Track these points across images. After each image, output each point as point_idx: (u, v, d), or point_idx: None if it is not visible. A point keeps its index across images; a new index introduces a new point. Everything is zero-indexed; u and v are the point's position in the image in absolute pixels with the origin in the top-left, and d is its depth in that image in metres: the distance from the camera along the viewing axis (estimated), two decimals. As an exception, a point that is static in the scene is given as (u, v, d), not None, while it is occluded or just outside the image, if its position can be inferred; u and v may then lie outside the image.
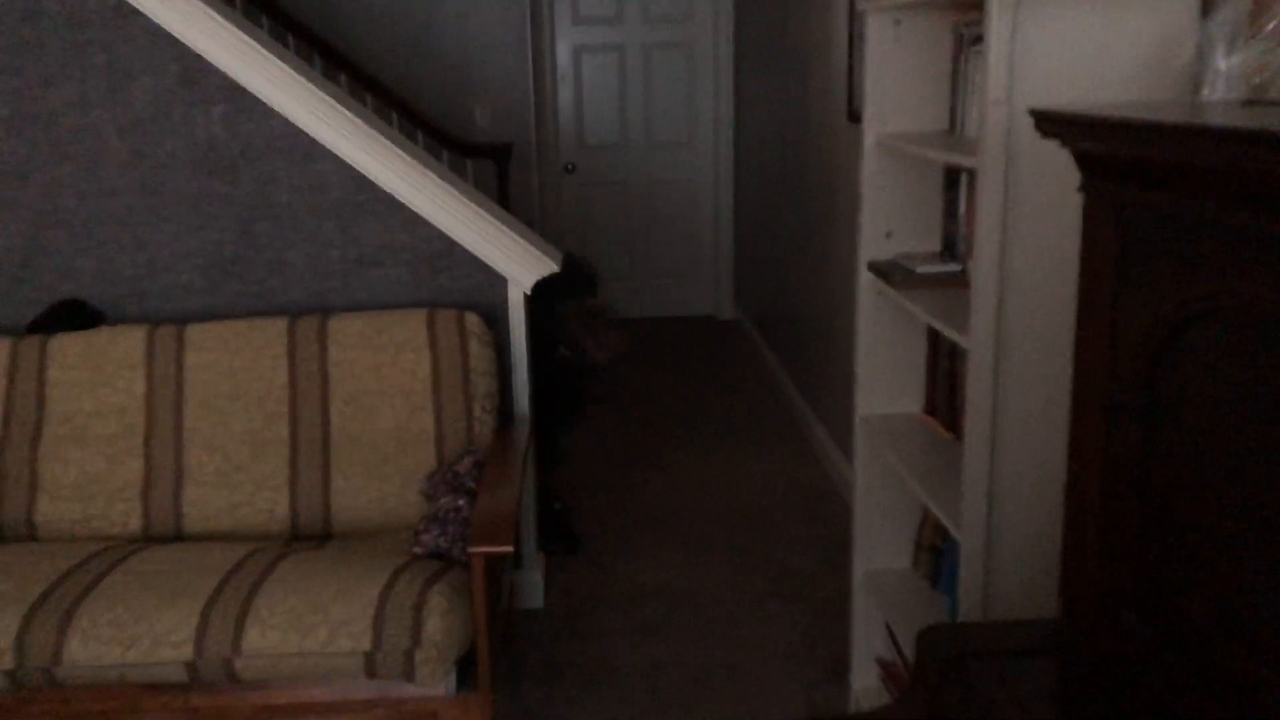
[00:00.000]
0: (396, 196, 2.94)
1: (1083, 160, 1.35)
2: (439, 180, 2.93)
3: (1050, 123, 1.36)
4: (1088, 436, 1.40)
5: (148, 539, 2.70)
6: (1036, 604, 1.89)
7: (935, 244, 2.46)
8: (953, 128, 2.39)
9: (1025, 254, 1.84)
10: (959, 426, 2.26)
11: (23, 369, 2.79)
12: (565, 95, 6.38)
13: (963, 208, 2.32)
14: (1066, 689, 1.43)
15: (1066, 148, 1.37)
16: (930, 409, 2.48)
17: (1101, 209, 1.34)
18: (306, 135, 2.91)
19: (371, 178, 2.93)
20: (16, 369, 2.79)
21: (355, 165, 2.92)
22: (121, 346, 2.80)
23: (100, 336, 2.82)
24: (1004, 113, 1.79)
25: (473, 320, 2.84)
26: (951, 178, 2.39)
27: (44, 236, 2.96)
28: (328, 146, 2.91)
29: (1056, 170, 1.74)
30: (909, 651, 2.22)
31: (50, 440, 2.75)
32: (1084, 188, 1.37)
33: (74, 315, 2.92)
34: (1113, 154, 1.28)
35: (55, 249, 2.97)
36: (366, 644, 2.22)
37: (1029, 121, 1.48)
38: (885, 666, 2.58)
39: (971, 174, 2.19)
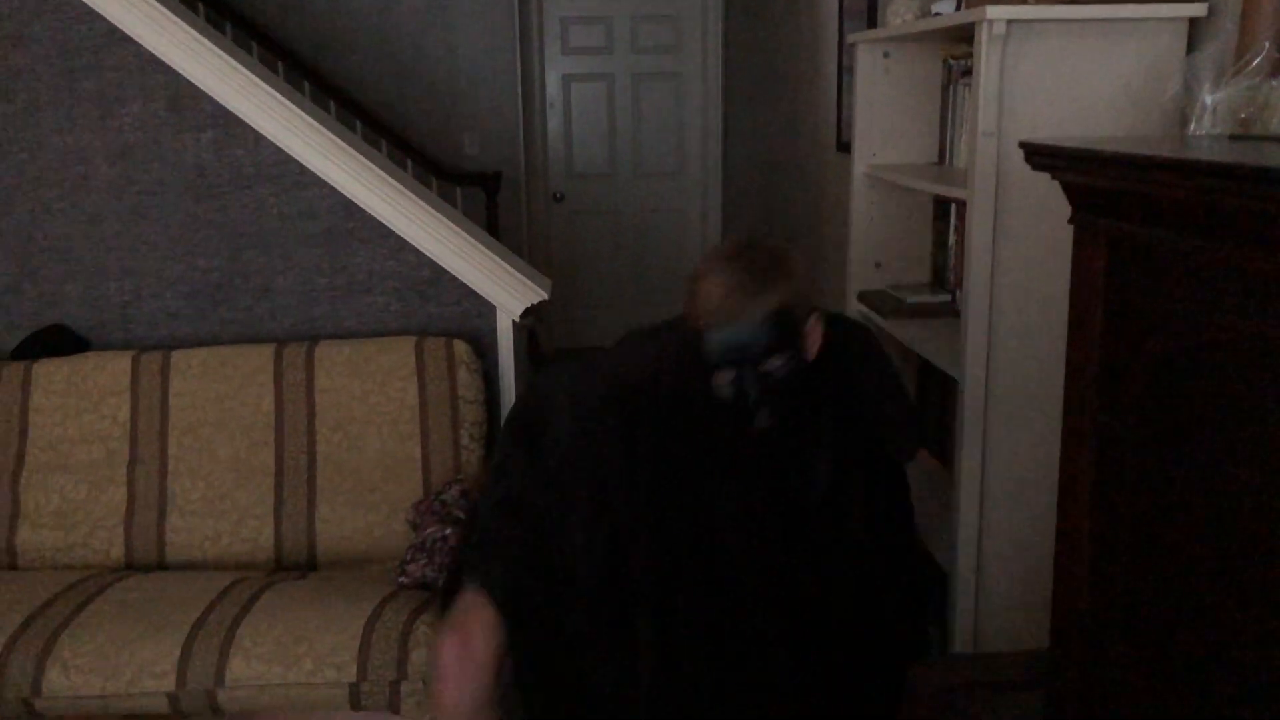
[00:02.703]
0: (385, 223, 2.93)
1: (1073, 193, 1.36)
2: (428, 207, 2.93)
3: (1041, 156, 1.37)
4: (1079, 467, 1.40)
5: (130, 568, 2.66)
6: (1028, 635, 1.88)
7: (925, 274, 2.47)
8: (942, 159, 2.40)
9: (1015, 284, 1.85)
10: (950, 457, 2.26)
11: (6, 395, 2.76)
12: (554, 124, 6.40)
13: (952, 238, 2.33)
14: (1058, 723, 1.42)
15: (1057, 180, 1.37)
16: (921, 440, 2.49)
17: (1091, 241, 1.34)
18: (296, 162, 2.90)
19: (360, 204, 2.92)
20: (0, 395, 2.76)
21: (344, 192, 2.91)
22: (106, 373, 2.77)
23: (85, 363, 2.80)
24: (993, 145, 1.80)
25: (461, 348, 2.83)
26: (941, 208, 2.40)
27: (30, 262, 2.94)
28: (317, 173, 2.90)
29: (1046, 201, 1.75)
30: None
31: (32, 467, 2.72)
32: (1074, 220, 1.37)
33: (59, 341, 2.90)
34: (1103, 187, 1.28)
35: (41, 275, 2.95)
36: (351, 675, 2.20)
37: (1019, 153, 1.49)
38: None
39: (961, 205, 2.20)
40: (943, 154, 2.39)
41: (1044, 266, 1.81)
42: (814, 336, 1.67)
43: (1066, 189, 1.36)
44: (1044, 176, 1.42)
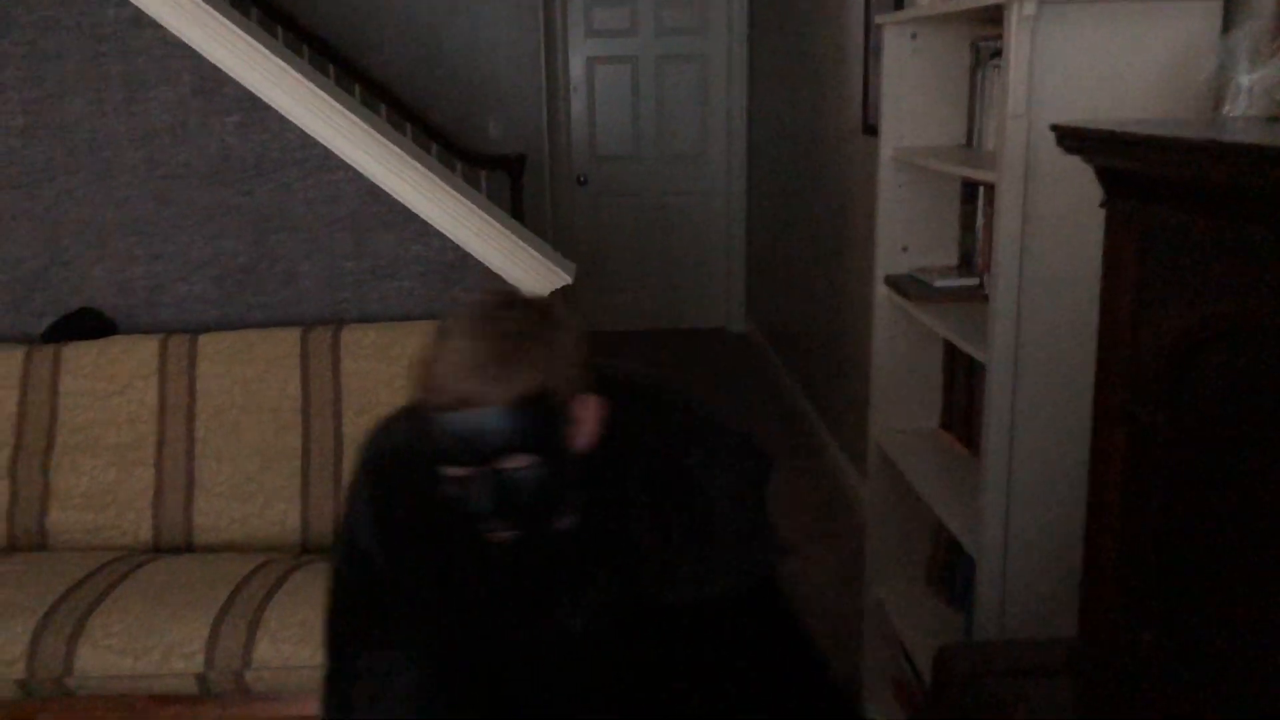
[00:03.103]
0: (410, 208, 2.94)
1: (1105, 176, 1.34)
2: (453, 191, 2.93)
3: (1073, 139, 1.35)
4: (1109, 454, 1.39)
5: (158, 549, 2.69)
6: (1054, 621, 1.87)
7: (952, 258, 2.45)
8: (970, 141, 2.38)
9: (1044, 268, 1.83)
10: (976, 442, 2.25)
11: (36, 378, 2.79)
12: (578, 107, 6.39)
13: (980, 221, 2.31)
14: (1085, 710, 1.41)
15: (1089, 164, 1.35)
16: (947, 424, 2.47)
17: (1124, 225, 1.32)
18: (321, 146, 2.91)
19: (385, 189, 2.93)
20: (29, 378, 2.79)
21: (369, 176, 2.92)
22: (134, 356, 2.80)
23: (113, 346, 2.82)
24: (1023, 127, 1.78)
25: (486, 332, 2.83)
26: (969, 191, 2.38)
27: (58, 246, 2.97)
28: (342, 157, 2.91)
29: (1076, 185, 1.73)
30: (925, 670, 2.20)
31: (62, 449, 2.75)
32: (1106, 204, 1.36)
33: (87, 325, 2.92)
34: (1136, 170, 1.26)
35: (69, 258, 2.97)
36: (377, 657, 2.21)
37: (1049, 136, 1.47)
38: (899, 685, 2.56)
39: (989, 188, 2.18)
40: (970, 136, 2.37)
41: (1074, 250, 1.79)
42: (587, 421, 1.33)
43: (1098, 172, 1.35)
44: (1075, 159, 1.40)
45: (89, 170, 2.93)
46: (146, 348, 2.80)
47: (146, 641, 2.24)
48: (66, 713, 2.31)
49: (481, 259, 2.96)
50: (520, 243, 2.94)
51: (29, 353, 2.82)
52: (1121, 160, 1.29)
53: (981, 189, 2.27)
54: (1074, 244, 1.80)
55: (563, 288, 3.00)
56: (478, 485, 1.26)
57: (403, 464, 1.46)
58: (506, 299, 1.32)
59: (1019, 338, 1.85)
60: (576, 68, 6.33)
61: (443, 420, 1.25)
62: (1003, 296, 1.84)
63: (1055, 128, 1.37)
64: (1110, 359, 1.37)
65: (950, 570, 2.43)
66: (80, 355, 2.80)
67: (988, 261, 2.19)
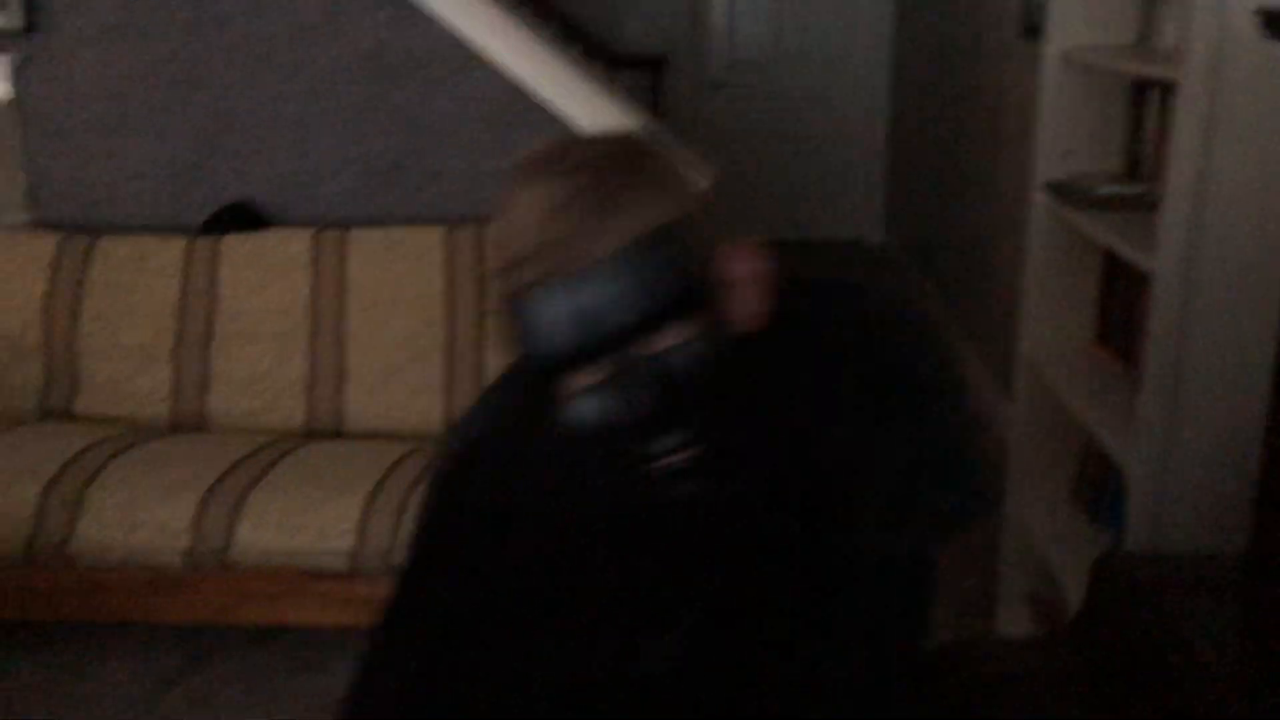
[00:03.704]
0: (553, 106, 2.92)
1: (1313, 66, 1.24)
2: (596, 90, 2.91)
3: (1281, 24, 1.25)
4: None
5: (310, 435, 2.80)
6: (1208, 539, 1.81)
7: (1117, 164, 2.33)
8: (1142, 39, 2.25)
9: (1228, 173, 1.72)
10: (1133, 357, 2.16)
11: (196, 268, 2.91)
12: (718, 8, 6.25)
13: (1151, 125, 2.19)
14: (1257, 625, 1.36)
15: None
16: (1101, 339, 2.38)
17: (1331, 121, 1.23)
18: (467, 43, 2.91)
19: (529, 87, 2.92)
20: (190, 268, 2.90)
21: (514, 74, 2.91)
22: (288, 249, 2.89)
23: (268, 239, 2.92)
24: (1213, 19, 1.66)
25: (626, 233, 2.82)
26: (1138, 93, 2.25)
27: (217, 140, 3.06)
28: (488, 55, 2.91)
29: (1272, 82, 1.61)
30: (1069, 586, 2.15)
31: (221, 337, 2.87)
32: (1312, 97, 1.26)
33: (244, 217, 3.02)
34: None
35: (227, 152, 3.06)
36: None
37: (1243, 29, 1.37)
38: (1037, 601, 2.51)
39: (1163, 89, 2.06)
40: (1144, 33, 2.24)
41: (1264, 153, 1.68)
42: (747, 283, 0.90)
43: (1305, 63, 1.25)
44: (1274, 52, 1.31)
45: (245, 67, 3.00)
46: (300, 240, 2.89)
47: (301, 520, 2.35)
48: (226, 584, 2.44)
49: (623, 159, 2.94)
50: (662, 144, 2.91)
51: (190, 244, 2.93)
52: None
53: (1154, 90, 2.15)
54: (1266, 147, 1.69)
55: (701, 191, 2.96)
56: (626, 383, 0.82)
57: (489, 450, 1.03)
58: (579, 135, 0.95)
59: (1193, 247, 1.75)
60: (717, -33, 6.18)
61: (538, 305, 0.84)
62: (1178, 203, 1.74)
63: (1262, 11, 1.27)
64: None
65: (1098, 488, 2.36)
66: (238, 246, 2.91)
67: (1157, 167, 2.08)
